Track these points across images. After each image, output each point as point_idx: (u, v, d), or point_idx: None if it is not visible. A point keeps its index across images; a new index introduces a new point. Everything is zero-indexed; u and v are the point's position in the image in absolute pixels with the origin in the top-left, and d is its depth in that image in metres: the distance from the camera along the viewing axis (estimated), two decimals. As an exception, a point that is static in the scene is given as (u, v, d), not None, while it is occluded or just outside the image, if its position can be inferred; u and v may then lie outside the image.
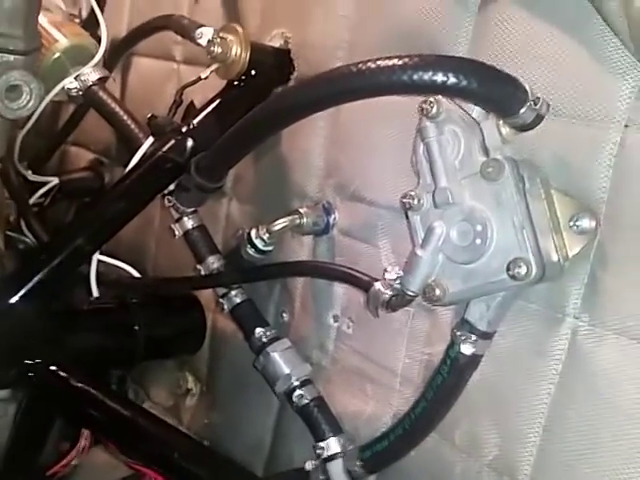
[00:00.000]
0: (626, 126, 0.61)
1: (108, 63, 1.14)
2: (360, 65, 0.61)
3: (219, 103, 0.92)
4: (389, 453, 0.77)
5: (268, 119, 0.75)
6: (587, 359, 0.64)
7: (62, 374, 0.83)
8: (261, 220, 0.89)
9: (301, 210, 0.86)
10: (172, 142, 0.91)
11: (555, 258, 0.63)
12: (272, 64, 0.90)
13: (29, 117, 1.07)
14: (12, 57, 0.76)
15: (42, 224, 1.17)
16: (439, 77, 0.58)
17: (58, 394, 0.86)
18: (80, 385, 0.82)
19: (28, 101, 0.77)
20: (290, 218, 0.86)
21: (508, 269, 0.62)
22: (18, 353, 0.84)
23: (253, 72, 0.88)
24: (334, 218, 0.88)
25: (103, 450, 1.01)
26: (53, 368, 0.83)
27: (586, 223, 0.63)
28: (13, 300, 0.84)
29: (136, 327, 0.98)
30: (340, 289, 0.88)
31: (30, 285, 0.85)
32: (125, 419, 0.79)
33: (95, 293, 0.99)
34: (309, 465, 0.86)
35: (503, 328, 0.70)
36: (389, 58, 0.60)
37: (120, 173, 1.29)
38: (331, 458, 0.83)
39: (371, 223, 0.84)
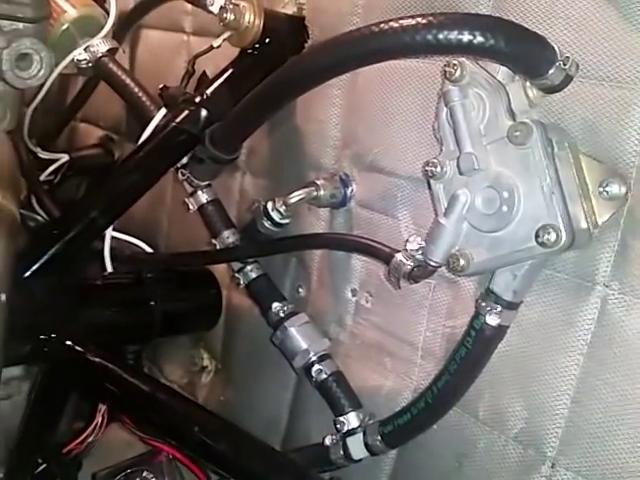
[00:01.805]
0: (658, 86, 0.59)
1: (117, 35, 1.11)
2: (382, 25, 0.59)
3: (232, 72, 0.90)
4: (411, 427, 0.76)
5: (286, 84, 0.73)
6: (617, 328, 0.63)
7: (78, 349, 0.82)
8: (275, 193, 0.87)
9: (318, 182, 0.84)
10: (185, 113, 0.89)
11: (584, 225, 0.61)
12: (286, 32, 0.88)
13: (38, 91, 1.05)
14: (21, 25, 0.74)
15: (53, 201, 1.15)
16: (465, 36, 0.56)
17: (74, 369, 0.85)
18: (97, 360, 0.80)
19: (39, 70, 0.75)
20: (307, 190, 0.84)
21: (537, 236, 0.60)
22: (33, 329, 0.83)
23: (267, 40, 0.86)
24: (352, 190, 0.86)
25: (119, 427, 1.01)
26: (69, 343, 0.82)
27: (616, 189, 0.61)
28: (26, 275, 0.83)
29: (152, 302, 0.97)
30: (359, 262, 0.87)
31: (44, 259, 0.84)
32: (144, 393, 0.78)
33: (109, 268, 0.98)
34: (329, 440, 0.84)
35: (530, 298, 0.68)
36: (412, 17, 0.58)
37: (130, 149, 1.27)
38: (351, 433, 0.82)
39: (390, 194, 0.82)
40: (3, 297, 0.64)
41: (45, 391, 0.89)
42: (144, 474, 0.86)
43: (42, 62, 0.74)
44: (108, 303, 0.96)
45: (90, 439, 0.93)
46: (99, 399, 0.93)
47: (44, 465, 0.87)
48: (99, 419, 0.93)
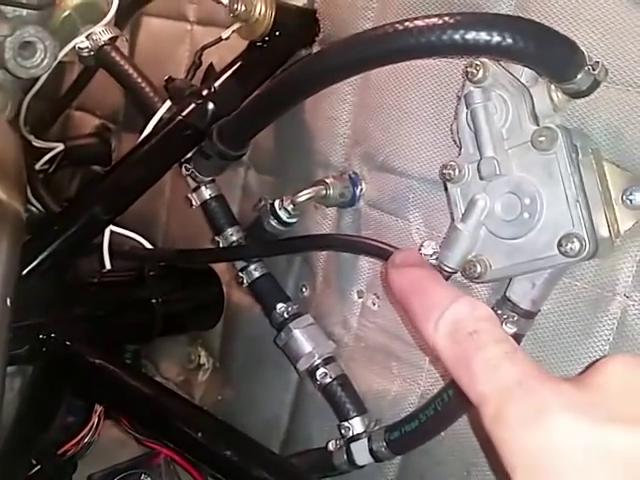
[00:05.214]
0: (687, 93, 0.57)
1: (118, 23, 1.08)
2: (407, 23, 0.57)
3: (241, 65, 0.87)
4: (418, 434, 0.74)
5: (303, 82, 0.70)
6: (637, 339, 0.61)
7: (78, 349, 0.79)
8: (280, 191, 0.85)
9: (327, 180, 0.82)
10: (192, 106, 0.86)
11: (606, 234, 0.60)
12: (297, 25, 0.85)
13: (37, 79, 1.02)
14: (25, 12, 0.72)
15: (48, 192, 1.13)
16: (494, 37, 0.54)
17: (73, 370, 0.82)
18: (97, 361, 0.78)
19: (42, 60, 0.73)
20: (316, 189, 0.81)
21: (559, 245, 0.58)
22: (32, 328, 0.81)
23: (277, 33, 0.83)
24: (361, 189, 0.84)
25: (112, 424, 0.99)
26: (68, 343, 0.79)
27: (639, 197, 0.60)
28: (25, 272, 0.80)
29: (154, 301, 0.94)
30: (366, 264, 0.84)
31: (43, 256, 0.81)
32: (143, 396, 0.76)
33: (108, 265, 0.95)
34: (332, 445, 0.83)
35: (546, 307, 0.66)
36: (439, 16, 0.56)
37: (128, 139, 1.25)
38: (355, 438, 0.81)
39: (401, 195, 0.80)
40: (8, 301, 0.61)
41: (39, 388, 0.86)
42: (142, 477, 0.84)
43: (46, 51, 0.72)
44: (109, 302, 0.93)
45: (86, 440, 0.90)
46: (96, 400, 0.90)
47: (38, 467, 0.85)
48: (95, 420, 0.91)
